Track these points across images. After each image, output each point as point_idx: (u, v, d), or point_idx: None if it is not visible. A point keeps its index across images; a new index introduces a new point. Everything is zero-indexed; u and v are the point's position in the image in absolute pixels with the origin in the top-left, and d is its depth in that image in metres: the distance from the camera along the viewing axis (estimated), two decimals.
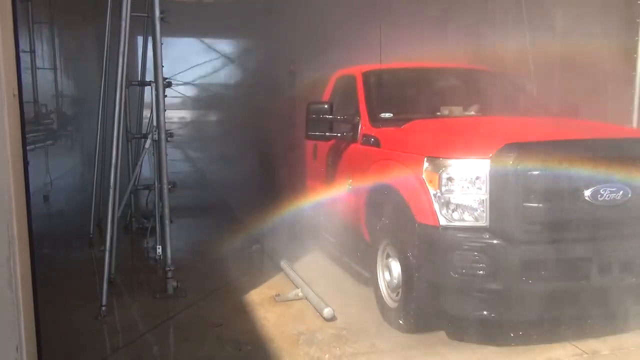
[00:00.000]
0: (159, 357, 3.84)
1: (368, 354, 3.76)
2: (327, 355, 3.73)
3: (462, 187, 3.62)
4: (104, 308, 4.39)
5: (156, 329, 4.17)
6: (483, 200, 3.58)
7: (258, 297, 4.80)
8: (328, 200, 5.38)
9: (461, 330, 3.86)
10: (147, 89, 6.52)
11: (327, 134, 4.93)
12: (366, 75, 5.32)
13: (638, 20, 5.50)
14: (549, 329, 3.80)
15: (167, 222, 4.95)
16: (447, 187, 3.64)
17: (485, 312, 3.62)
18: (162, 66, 5.02)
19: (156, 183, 5.55)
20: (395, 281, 4.07)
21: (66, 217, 7.86)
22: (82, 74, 11.64)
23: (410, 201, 3.87)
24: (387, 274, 4.22)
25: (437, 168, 3.69)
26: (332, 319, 4.26)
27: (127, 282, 5.26)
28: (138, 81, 6.63)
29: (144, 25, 6.89)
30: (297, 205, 6.13)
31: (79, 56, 11.45)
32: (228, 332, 4.12)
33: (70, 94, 11.54)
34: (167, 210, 4.95)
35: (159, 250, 5.53)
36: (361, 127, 4.84)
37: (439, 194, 3.65)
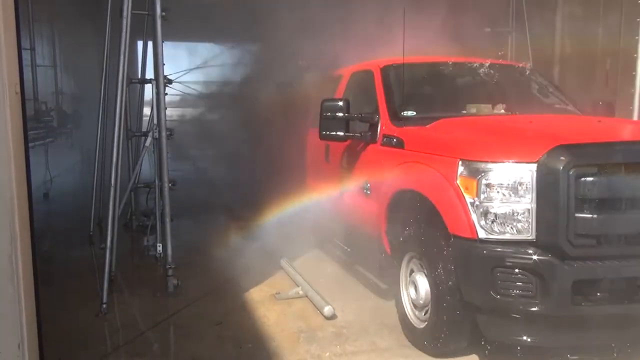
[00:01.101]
0: (159, 355, 3.85)
1: (368, 352, 3.76)
2: (327, 354, 3.73)
3: (504, 195, 3.22)
4: (104, 306, 4.40)
5: (156, 327, 4.18)
6: (528, 210, 3.18)
7: (258, 295, 4.81)
8: (342, 204, 5.06)
9: (498, 356, 3.42)
10: (148, 86, 6.53)
11: (343, 134, 4.50)
12: (385, 70, 4.87)
13: (638, 20, 5.51)
14: (599, 357, 3.35)
15: (167, 220, 4.95)
16: (486, 195, 3.24)
17: (527, 338, 3.23)
18: (163, 64, 5.02)
19: (156, 181, 5.55)
20: (422, 299, 3.68)
21: (66, 215, 7.85)
22: (82, 71, 11.63)
23: (442, 210, 3.47)
24: (412, 291, 3.82)
25: (474, 173, 3.29)
26: (333, 317, 4.27)
27: (128, 280, 5.26)
28: (138, 79, 6.62)
29: (144, 23, 6.88)
30: (307, 209, 5.87)
31: (79, 54, 11.44)
32: (228, 330, 4.12)
33: (70, 92, 11.54)
34: (167, 208, 4.95)
35: (160, 248, 5.54)
36: (381, 127, 4.44)
37: (476, 203, 3.25)
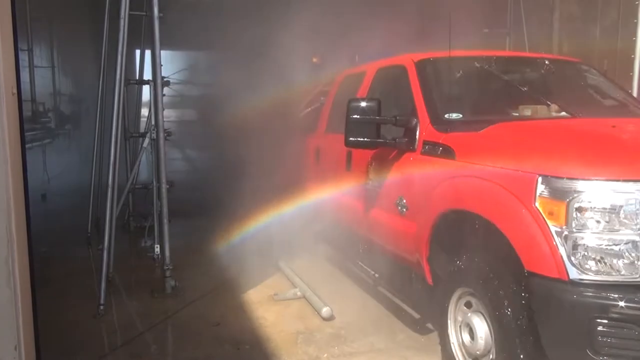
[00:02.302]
0: (157, 356, 3.84)
1: (366, 353, 3.76)
2: (325, 355, 3.73)
3: (605, 223, 2.51)
4: (102, 307, 4.39)
5: (154, 328, 4.18)
6: (636, 242, 2.50)
7: (256, 297, 4.81)
8: (367, 222, 4.39)
9: None
10: (146, 88, 6.54)
11: (375, 140, 3.80)
12: (421, 66, 4.20)
13: (635, 21, 5.52)
14: None
15: (165, 221, 4.94)
16: (579, 222, 2.53)
17: None
18: (161, 65, 5.02)
19: (154, 182, 5.55)
20: (480, 348, 2.99)
21: (64, 216, 7.84)
22: (80, 72, 11.63)
23: (515, 240, 2.74)
24: (465, 335, 3.13)
25: (561, 194, 2.57)
26: (331, 318, 4.27)
27: (125, 281, 5.26)
28: (136, 80, 6.62)
29: (141, 25, 6.88)
30: (320, 227, 5.58)
31: (77, 55, 11.44)
32: (226, 331, 4.12)
33: (68, 93, 11.52)
34: (165, 210, 4.95)
35: (157, 249, 5.54)
36: (420, 132, 3.73)
37: (565, 232, 2.55)
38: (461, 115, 3.74)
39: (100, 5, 6.47)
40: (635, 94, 5.57)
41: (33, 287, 2.62)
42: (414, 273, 3.84)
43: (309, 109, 6.27)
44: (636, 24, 5.59)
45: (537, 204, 2.65)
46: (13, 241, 2.39)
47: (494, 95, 4.29)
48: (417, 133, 3.75)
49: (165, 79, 5.93)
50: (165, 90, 6.76)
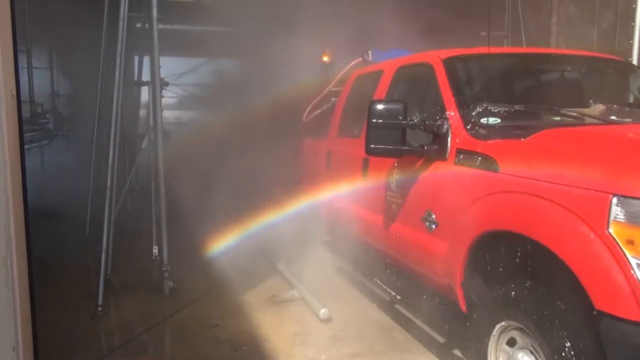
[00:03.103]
0: (155, 357, 3.84)
1: (365, 354, 3.77)
2: (323, 356, 3.74)
3: None
4: (100, 308, 4.39)
5: (152, 330, 4.18)
6: None
7: (255, 298, 4.81)
8: (387, 237, 3.98)
9: None
10: (145, 89, 6.54)
11: (400, 147, 3.40)
12: (450, 64, 3.75)
13: (632, 24, 5.54)
14: None
15: (163, 222, 4.95)
16: None
17: None
18: (159, 66, 5.03)
19: (152, 184, 5.55)
20: None
21: (62, 217, 7.83)
22: (79, 73, 11.62)
23: (582, 271, 2.31)
24: None
25: None
26: (329, 320, 4.28)
27: (124, 283, 5.25)
28: (135, 81, 6.63)
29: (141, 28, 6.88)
30: (331, 235, 5.37)
31: (75, 56, 11.44)
32: (224, 332, 4.12)
33: (66, 94, 11.52)
34: (163, 211, 4.95)
35: (155, 250, 5.54)
36: (452, 139, 3.30)
37: None
38: (499, 120, 3.27)
39: (99, 6, 6.48)
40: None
41: (31, 288, 2.62)
42: (442, 297, 3.43)
43: (319, 110, 5.88)
44: (634, 27, 5.61)
45: (610, 230, 2.21)
46: (12, 242, 2.40)
47: (533, 96, 3.82)
48: (449, 140, 3.32)
49: (163, 80, 5.93)
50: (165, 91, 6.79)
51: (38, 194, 8.88)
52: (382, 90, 4.44)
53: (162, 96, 5.60)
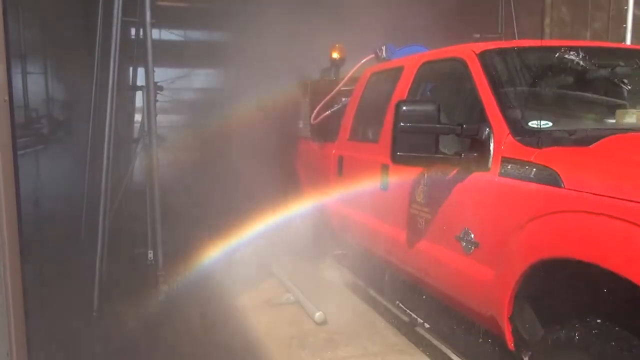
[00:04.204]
0: None
1: (360, 356, 3.78)
2: (318, 359, 3.74)
3: None
4: (95, 313, 4.38)
5: (148, 334, 4.17)
6: None
7: (250, 301, 4.82)
8: (410, 254, 3.57)
9: None
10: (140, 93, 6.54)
11: (433, 155, 2.96)
12: (487, 58, 3.29)
13: (625, 26, 5.58)
14: None
15: (158, 226, 4.94)
16: None
17: None
18: (153, 71, 5.03)
19: (147, 188, 5.54)
20: None
21: (57, 222, 7.81)
22: (73, 78, 11.61)
23: None
24: None
25: None
26: (324, 322, 4.29)
27: (119, 287, 5.23)
28: (129, 86, 6.63)
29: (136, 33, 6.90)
30: (342, 248, 5.09)
31: (70, 61, 11.43)
32: (220, 336, 4.12)
33: (61, 99, 11.50)
34: (158, 215, 4.95)
35: (151, 254, 5.52)
36: (496, 146, 2.86)
37: None
38: (550, 124, 2.86)
39: (94, 11, 6.49)
40: None
41: (25, 292, 2.61)
42: (481, 329, 3.05)
43: (328, 111, 5.44)
44: (625, 28, 5.64)
45: None
46: (4, 246, 2.39)
47: (584, 95, 3.39)
48: (491, 147, 2.88)
49: (158, 85, 5.94)
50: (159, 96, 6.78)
51: (32, 199, 8.87)
52: (402, 89, 4.00)
53: (157, 100, 5.61)
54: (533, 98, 3.13)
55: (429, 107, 2.97)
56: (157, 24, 5.88)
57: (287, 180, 6.27)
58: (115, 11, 4.90)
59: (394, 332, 4.15)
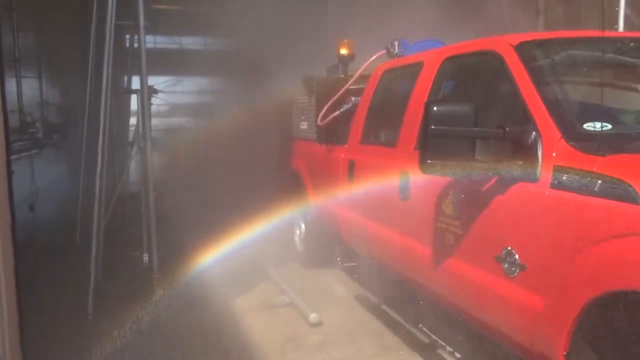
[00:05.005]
0: None
1: (354, 358, 3.79)
2: None
3: None
4: (90, 316, 4.39)
5: (142, 337, 4.17)
6: None
7: (245, 304, 4.83)
8: (437, 273, 3.18)
9: None
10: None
11: (471, 163, 2.60)
12: (526, 51, 2.90)
13: (616, 27, 5.62)
14: None
15: (153, 229, 4.95)
16: None
17: None
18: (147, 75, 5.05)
19: (142, 191, 5.55)
20: None
21: (52, 225, 7.81)
22: (68, 82, 11.61)
23: None
24: None
25: None
26: (319, 324, 4.30)
27: (114, 290, 5.23)
28: (124, 89, 6.64)
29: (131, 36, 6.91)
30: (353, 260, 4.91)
31: (64, 64, 11.44)
32: (215, 338, 4.13)
33: (55, 103, 11.50)
34: (153, 218, 4.96)
35: (146, 257, 5.53)
36: (545, 152, 2.48)
37: None
38: (609, 126, 2.48)
39: (88, 14, 6.50)
40: None
41: (19, 296, 2.62)
42: None
43: (337, 112, 5.06)
44: (617, 29, 5.68)
45: None
46: None
47: (633, 93, 3.05)
48: (540, 153, 2.49)
49: (152, 88, 5.95)
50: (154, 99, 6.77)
51: (27, 203, 8.86)
52: (423, 87, 3.63)
53: (152, 104, 5.63)
54: (584, 96, 2.79)
55: (465, 108, 2.59)
56: (153, 29, 5.90)
57: (289, 183, 6.15)
58: (108, 13, 4.91)
59: (389, 333, 4.16)
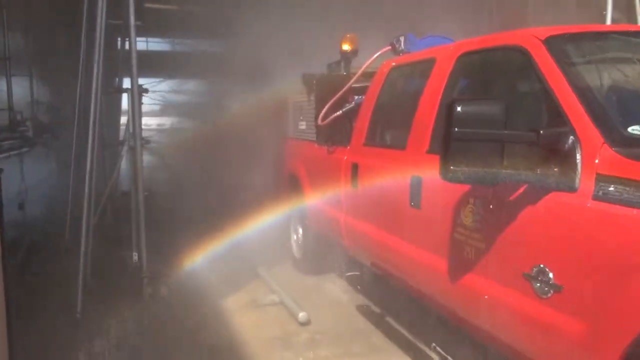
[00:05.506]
0: None
1: (341, 356, 3.82)
2: (301, 359, 3.78)
3: None
4: (79, 315, 4.39)
5: (131, 336, 4.18)
6: None
7: (235, 303, 4.85)
8: (455, 290, 2.91)
9: None
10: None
11: (501, 170, 2.31)
12: (557, 46, 2.63)
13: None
14: None
15: (142, 228, 4.96)
16: None
17: None
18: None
19: (132, 190, 5.55)
20: None
21: (42, 224, 7.79)
22: (59, 81, 11.58)
23: None
24: None
25: None
26: (307, 323, 4.33)
27: (103, 289, 5.23)
28: (114, 88, 6.64)
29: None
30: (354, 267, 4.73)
31: (55, 63, 11.40)
32: (204, 337, 4.15)
33: (46, 101, 11.46)
34: (142, 217, 4.97)
35: (136, 256, 5.53)
36: (586, 159, 2.20)
37: None
38: None
39: (79, 13, 6.49)
40: None
41: (7, 295, 2.63)
42: None
43: (340, 112, 4.77)
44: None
45: None
46: None
47: None
48: (579, 160, 2.21)
49: (143, 87, 5.96)
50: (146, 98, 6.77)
51: (17, 201, 8.82)
52: (436, 86, 3.35)
53: (142, 103, 5.63)
54: (624, 96, 2.50)
55: (494, 107, 2.31)
56: (145, 29, 5.90)
57: (285, 185, 6.01)
58: (99, 12, 4.92)
59: (376, 333, 4.19)
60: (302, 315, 4.34)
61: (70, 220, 6.71)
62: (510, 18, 7.64)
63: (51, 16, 10.00)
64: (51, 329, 4.29)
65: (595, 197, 2.10)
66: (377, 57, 4.58)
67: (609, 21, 5.86)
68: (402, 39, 4.43)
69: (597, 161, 2.16)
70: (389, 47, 4.53)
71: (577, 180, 2.20)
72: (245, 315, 4.57)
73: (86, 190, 4.82)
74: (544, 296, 2.29)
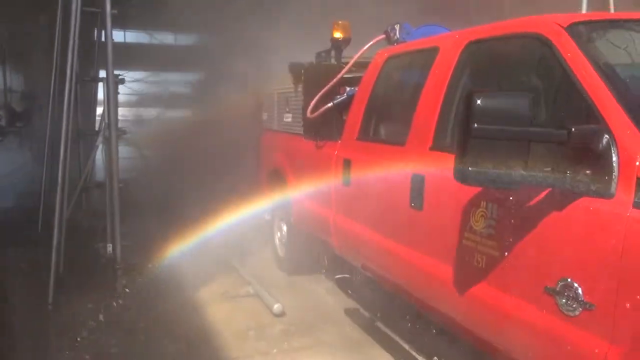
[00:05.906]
0: (106, 355, 3.83)
1: (313, 346, 3.86)
2: (275, 350, 3.81)
3: None
4: (50, 306, 4.35)
5: (104, 327, 4.16)
6: None
7: (209, 294, 4.84)
8: (460, 302, 2.67)
9: None
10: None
11: (528, 174, 2.05)
12: (583, 34, 2.39)
13: None
14: None
15: (117, 220, 4.92)
16: None
17: None
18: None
19: (107, 181, 5.50)
20: None
21: (14, 215, 7.67)
22: (33, 69, 11.38)
23: None
24: None
25: None
26: (282, 314, 4.35)
27: (76, 281, 5.17)
28: (89, 77, 6.56)
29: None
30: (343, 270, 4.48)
31: (29, 51, 11.21)
32: (177, 328, 4.14)
33: (19, 90, 11.27)
34: (117, 209, 4.93)
35: (109, 248, 5.49)
36: (623, 160, 1.97)
37: None
38: None
39: (54, 1, 6.39)
40: None
41: None
42: None
43: (330, 104, 4.43)
44: None
45: None
46: None
47: None
48: (615, 162, 1.98)
49: (120, 77, 5.89)
50: (122, 88, 6.70)
51: None
52: (440, 77, 3.08)
53: (118, 93, 5.57)
54: None
55: (519, 101, 2.05)
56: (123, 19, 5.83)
57: (268, 180, 5.79)
58: (74, 1, 4.85)
59: (349, 323, 4.23)
60: (276, 306, 4.36)
61: (44, 210, 6.63)
62: (486, 14, 7.71)
63: (25, 3, 9.81)
64: (21, 319, 4.25)
65: (637, 205, 1.87)
66: (370, 46, 4.32)
67: None
68: (397, 27, 4.20)
69: (638, 163, 1.91)
70: (383, 36, 4.30)
71: (614, 185, 1.95)
72: (219, 306, 4.57)
73: (59, 180, 4.77)
74: (571, 314, 2.05)
